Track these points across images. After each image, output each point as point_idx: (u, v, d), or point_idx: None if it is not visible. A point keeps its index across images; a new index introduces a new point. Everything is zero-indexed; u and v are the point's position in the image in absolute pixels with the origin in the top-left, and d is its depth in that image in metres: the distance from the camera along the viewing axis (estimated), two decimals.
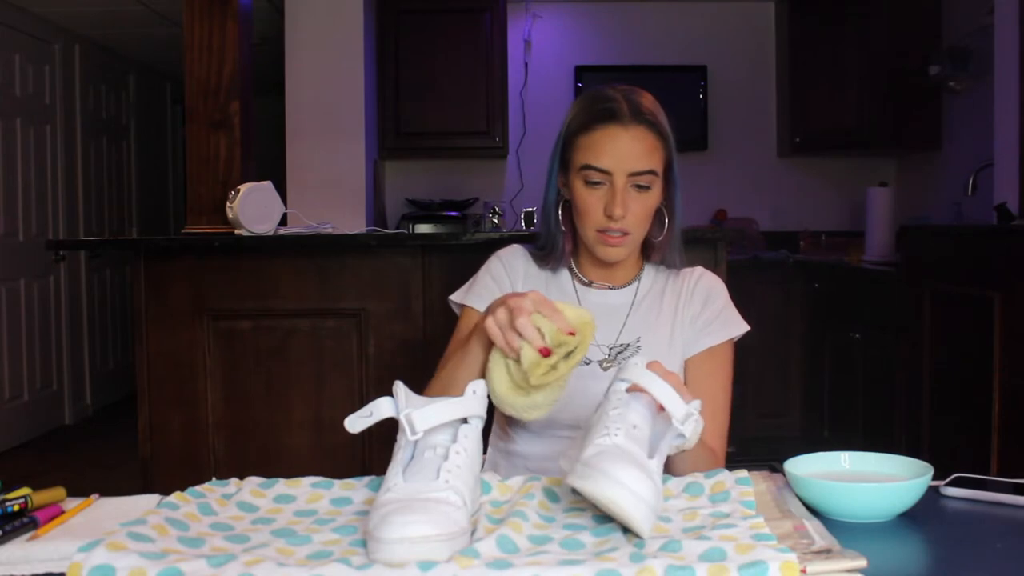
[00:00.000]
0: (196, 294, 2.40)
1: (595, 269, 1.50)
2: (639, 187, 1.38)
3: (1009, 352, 2.59)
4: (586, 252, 1.49)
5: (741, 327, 1.47)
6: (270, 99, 4.90)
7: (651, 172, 1.38)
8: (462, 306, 1.51)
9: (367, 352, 2.42)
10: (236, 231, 2.44)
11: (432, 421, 0.96)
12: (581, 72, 4.85)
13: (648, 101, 1.40)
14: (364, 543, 0.88)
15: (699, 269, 1.53)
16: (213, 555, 0.82)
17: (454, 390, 1.19)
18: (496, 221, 4.33)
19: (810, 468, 1.07)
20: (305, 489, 1.06)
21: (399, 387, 1.00)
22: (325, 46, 4.10)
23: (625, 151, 1.36)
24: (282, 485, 1.07)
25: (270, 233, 2.43)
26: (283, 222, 2.54)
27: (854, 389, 3.79)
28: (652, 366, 1.04)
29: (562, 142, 1.44)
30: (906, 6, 4.22)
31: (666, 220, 1.47)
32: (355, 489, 1.07)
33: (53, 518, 0.99)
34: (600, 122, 1.37)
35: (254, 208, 2.42)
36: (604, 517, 0.95)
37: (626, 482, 0.87)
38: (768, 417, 4.36)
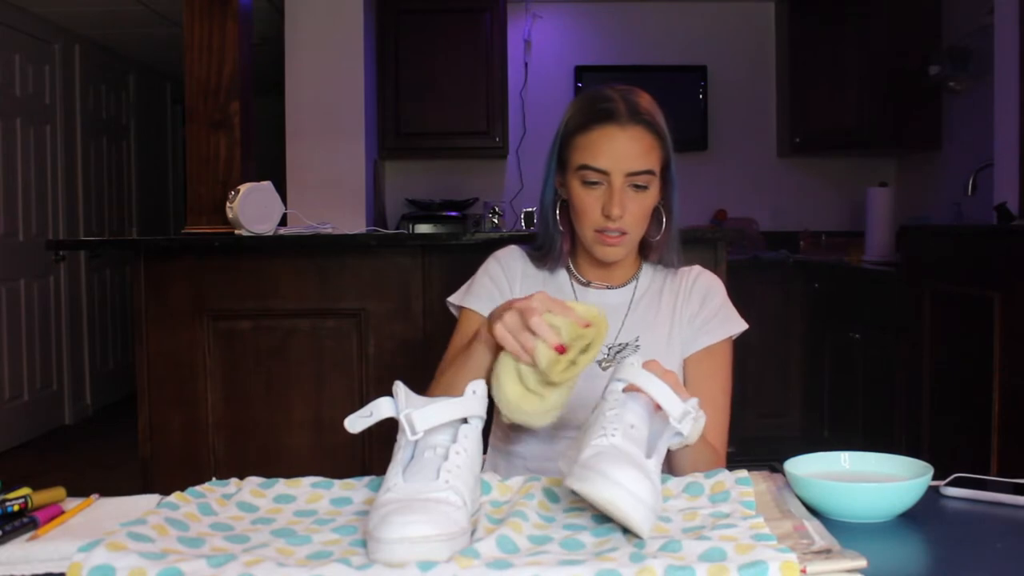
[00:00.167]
0: (196, 294, 2.40)
1: (593, 269, 1.50)
2: (637, 187, 1.38)
3: (1009, 352, 2.59)
4: (584, 252, 1.49)
5: (739, 325, 1.47)
6: (270, 99, 4.90)
7: (649, 172, 1.38)
8: (460, 308, 1.51)
9: (367, 352, 2.42)
10: (236, 231, 2.44)
11: (432, 421, 0.96)
12: (581, 72, 4.85)
13: (646, 101, 1.40)
14: (364, 543, 0.88)
15: (697, 268, 1.53)
16: (213, 555, 0.82)
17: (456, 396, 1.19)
18: (496, 221, 4.33)
19: (810, 468, 1.07)
20: (305, 489, 1.06)
21: (399, 387, 1.00)
22: (325, 46, 4.10)
23: (622, 151, 1.36)
24: (282, 485, 1.07)
25: (270, 233, 2.43)
26: (283, 222, 2.54)
27: (854, 389, 3.79)
28: (648, 365, 1.04)
29: (559, 142, 1.44)
30: (906, 6, 4.22)
31: (664, 220, 1.47)
32: (355, 489, 1.07)
33: (53, 518, 0.99)
34: (597, 122, 1.37)
35: (254, 208, 2.42)
36: (604, 517, 0.94)
37: (624, 483, 0.87)
38: (768, 417, 4.36)
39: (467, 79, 4.48)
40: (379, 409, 0.98)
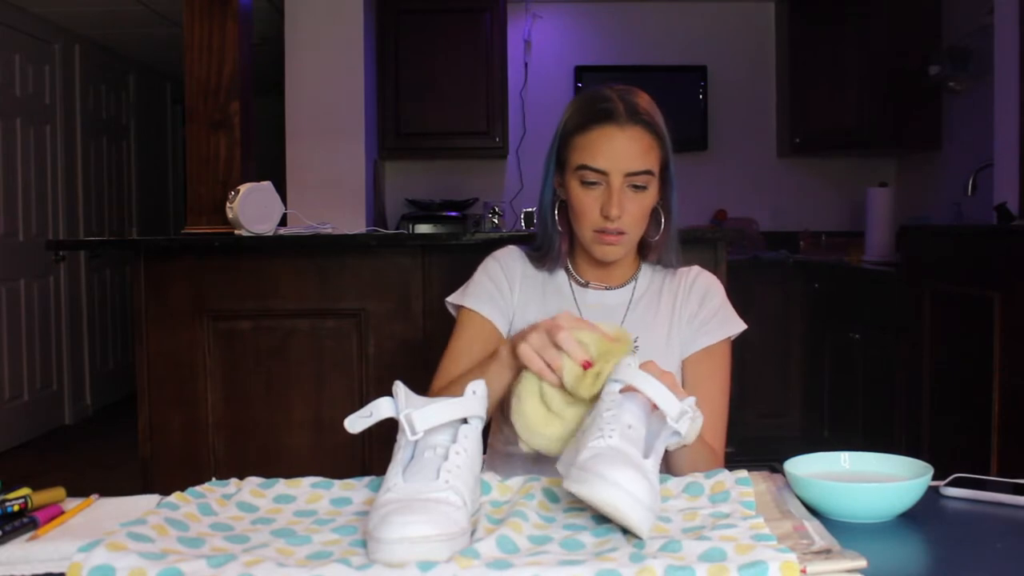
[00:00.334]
0: (196, 294, 2.40)
1: (592, 269, 1.50)
2: (635, 187, 1.38)
3: (1009, 352, 2.59)
4: (583, 252, 1.49)
5: (738, 325, 1.47)
6: (270, 99, 4.91)
7: (647, 172, 1.38)
8: (459, 308, 1.51)
9: (367, 352, 2.42)
10: (236, 231, 2.44)
11: (432, 421, 0.96)
12: (581, 72, 4.85)
13: (644, 101, 1.40)
14: (364, 543, 0.88)
15: (695, 268, 1.53)
16: (213, 555, 0.82)
17: None
18: (496, 221, 4.33)
19: (810, 468, 1.07)
20: (305, 489, 1.06)
21: (399, 387, 1.00)
22: (325, 46, 4.10)
23: (621, 151, 1.36)
24: (282, 485, 1.07)
25: (270, 233, 2.43)
26: (283, 222, 2.54)
27: (854, 389, 3.79)
28: (645, 366, 1.04)
29: (558, 142, 1.44)
30: (906, 6, 4.22)
31: (663, 220, 1.47)
32: (355, 489, 1.07)
33: (53, 518, 0.99)
34: (596, 122, 1.37)
35: (254, 208, 2.42)
36: (604, 517, 0.94)
37: (622, 484, 0.87)
38: (768, 417, 4.36)
39: (467, 79, 4.48)
40: (379, 409, 0.98)
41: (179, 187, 6.81)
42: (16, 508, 0.99)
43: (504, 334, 1.48)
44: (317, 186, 4.08)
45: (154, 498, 1.06)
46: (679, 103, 4.77)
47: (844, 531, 0.93)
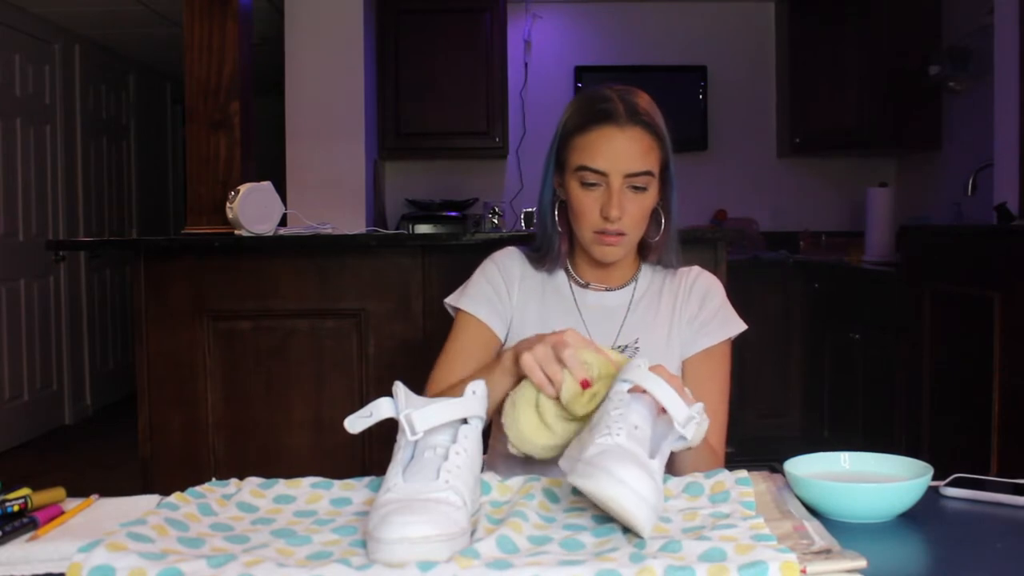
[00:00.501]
0: (196, 294, 2.40)
1: (592, 270, 1.50)
2: (635, 188, 1.37)
3: (1009, 352, 2.59)
4: (582, 253, 1.48)
5: (739, 326, 1.47)
6: (270, 99, 4.90)
7: (647, 173, 1.37)
8: (457, 309, 1.51)
9: (367, 352, 2.42)
10: (236, 231, 2.44)
11: (432, 421, 0.96)
12: (581, 72, 4.85)
13: (644, 101, 1.39)
14: (364, 543, 0.88)
15: (696, 268, 1.52)
16: (213, 555, 0.82)
17: None
18: (496, 221, 4.33)
19: (810, 468, 1.07)
20: (305, 489, 1.06)
21: (399, 387, 1.00)
22: (325, 46, 4.10)
23: (621, 152, 1.35)
24: (282, 485, 1.07)
25: (270, 233, 2.43)
26: (283, 222, 2.54)
27: (854, 389, 3.79)
28: (655, 369, 1.04)
29: (558, 143, 1.44)
30: (906, 6, 4.22)
31: (662, 220, 1.47)
32: (355, 489, 1.07)
33: (53, 518, 0.99)
34: (596, 123, 1.37)
35: (254, 208, 2.42)
36: (604, 517, 0.95)
37: (628, 481, 0.87)
38: (768, 417, 4.36)
39: (467, 79, 4.48)
40: (379, 409, 0.98)
41: (179, 187, 6.81)
42: (16, 508, 0.99)
43: (501, 337, 1.48)
44: (317, 186, 4.08)
45: (154, 498, 1.06)
46: (679, 103, 4.77)
47: (844, 531, 0.93)
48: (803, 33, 4.65)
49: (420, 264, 2.42)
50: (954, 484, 1.06)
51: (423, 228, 4.39)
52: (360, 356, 2.43)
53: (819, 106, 4.56)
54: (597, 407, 1.09)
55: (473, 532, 0.90)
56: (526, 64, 4.88)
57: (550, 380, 1.12)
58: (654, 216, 1.46)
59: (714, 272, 1.54)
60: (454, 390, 1.33)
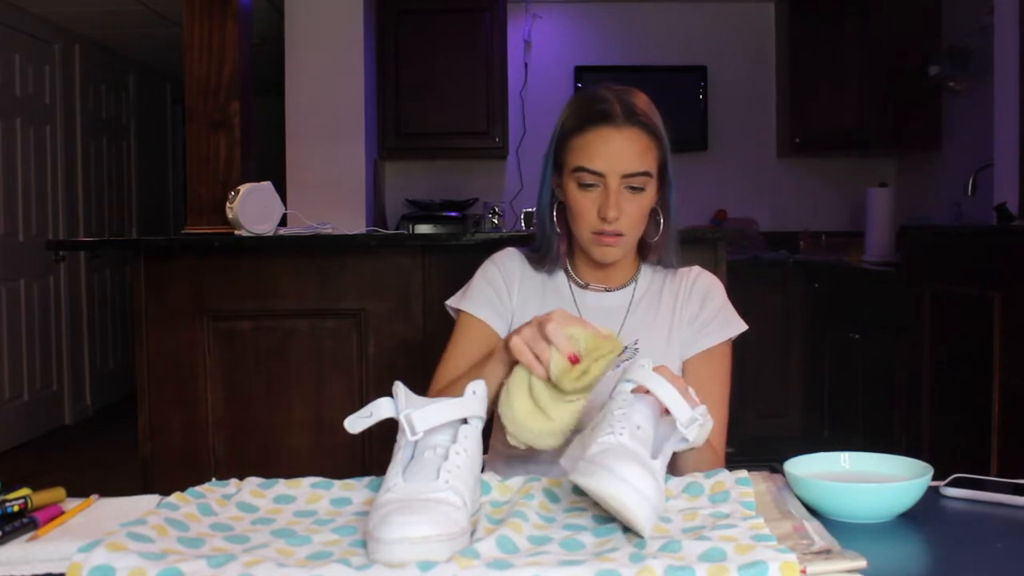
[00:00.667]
0: (196, 294, 2.40)
1: (591, 271, 1.50)
2: (633, 188, 1.37)
3: (1009, 352, 2.59)
4: (582, 254, 1.48)
5: (739, 326, 1.47)
6: (270, 99, 4.90)
7: (645, 173, 1.37)
8: (458, 311, 1.51)
9: (367, 352, 2.42)
10: (236, 231, 2.45)
11: (432, 421, 0.96)
12: (581, 72, 4.85)
13: (642, 102, 1.39)
14: (364, 543, 0.88)
15: (696, 268, 1.52)
16: (213, 555, 0.82)
17: None
18: (496, 221, 4.33)
19: (810, 468, 1.07)
20: (305, 489, 1.06)
21: (399, 387, 1.00)
22: (325, 46, 4.10)
23: (618, 152, 1.35)
24: (282, 485, 1.07)
25: (270, 233, 2.44)
26: (283, 222, 2.54)
27: (854, 389, 3.79)
28: (659, 370, 1.04)
29: (555, 143, 1.44)
30: (906, 6, 4.22)
31: (662, 220, 1.47)
32: (355, 489, 1.07)
33: (53, 518, 0.99)
34: (593, 123, 1.36)
35: (254, 208, 2.42)
36: (604, 517, 0.95)
37: (630, 479, 0.87)
38: (768, 417, 4.36)
39: (467, 79, 4.48)
40: (379, 409, 0.98)
41: (179, 187, 6.81)
42: (16, 508, 0.99)
43: (502, 337, 1.48)
44: (317, 186, 4.08)
45: (154, 498, 1.06)
46: (679, 103, 4.77)
47: (844, 531, 0.93)
48: (803, 33, 4.65)
49: (420, 264, 2.42)
50: (954, 484, 1.06)
51: (423, 228, 4.39)
52: (360, 356, 2.43)
53: (819, 106, 4.56)
54: (589, 386, 1.09)
55: (473, 532, 0.90)
56: (526, 64, 4.88)
57: (539, 360, 1.11)
58: (653, 216, 1.46)
59: (714, 272, 1.54)
60: (453, 387, 1.33)
